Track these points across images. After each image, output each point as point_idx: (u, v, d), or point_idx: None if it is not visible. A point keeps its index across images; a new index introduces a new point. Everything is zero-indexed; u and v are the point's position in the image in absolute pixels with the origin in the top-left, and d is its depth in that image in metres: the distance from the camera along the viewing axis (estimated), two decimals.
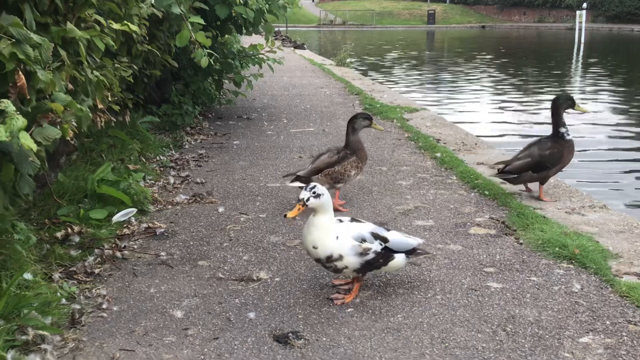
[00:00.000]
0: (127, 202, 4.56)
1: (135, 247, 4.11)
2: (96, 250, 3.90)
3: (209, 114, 9.27)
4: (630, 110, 13.65)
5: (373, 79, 16.30)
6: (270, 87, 12.67)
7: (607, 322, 3.12)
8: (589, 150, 9.49)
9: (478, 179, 5.58)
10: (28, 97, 2.59)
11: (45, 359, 2.72)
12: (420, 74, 21.20)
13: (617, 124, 11.81)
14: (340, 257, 3.15)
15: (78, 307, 3.20)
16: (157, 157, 6.28)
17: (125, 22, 4.16)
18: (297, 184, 4.78)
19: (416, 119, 8.94)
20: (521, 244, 4.15)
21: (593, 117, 12.12)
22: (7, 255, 3.27)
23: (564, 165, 5.05)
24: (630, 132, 11.17)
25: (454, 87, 17.74)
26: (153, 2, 5.42)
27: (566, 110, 5.06)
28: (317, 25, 60.74)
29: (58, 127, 2.80)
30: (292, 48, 25.98)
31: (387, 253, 3.28)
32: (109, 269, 3.76)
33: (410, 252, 3.41)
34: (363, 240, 3.21)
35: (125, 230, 4.30)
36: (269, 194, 5.34)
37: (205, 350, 2.88)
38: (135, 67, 5.15)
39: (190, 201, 5.09)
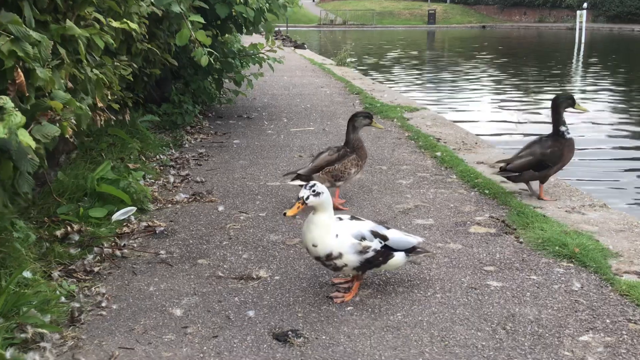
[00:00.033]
0: (127, 201, 4.55)
1: (135, 245, 4.11)
2: (96, 249, 3.89)
3: (209, 113, 9.27)
4: (630, 109, 13.65)
5: (373, 79, 16.30)
6: (271, 87, 12.67)
7: (607, 321, 3.11)
8: (589, 149, 9.49)
9: (478, 178, 5.58)
10: (27, 94, 2.59)
11: (44, 357, 2.72)
12: (420, 74, 21.19)
13: (618, 123, 11.81)
14: (340, 255, 3.15)
15: (77, 305, 3.20)
16: (157, 156, 6.28)
17: (125, 20, 4.16)
18: (298, 182, 4.78)
19: (416, 118, 8.94)
20: (521, 242, 4.15)
21: (593, 116, 12.12)
22: (6, 253, 3.27)
23: (565, 164, 5.05)
24: (631, 131, 11.16)
25: (454, 87, 17.73)
26: (153, 0, 5.41)
27: (566, 109, 5.07)
28: (318, 25, 60.72)
29: (57, 125, 2.80)
30: (293, 48, 25.98)
31: (387, 251, 3.28)
32: (109, 267, 3.76)
33: (410, 251, 3.41)
34: (363, 238, 3.21)
35: (125, 229, 4.29)
36: (268, 192, 5.34)
37: (205, 348, 2.87)
38: (135, 65, 5.14)
39: (190, 200, 5.09)
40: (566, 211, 4.79)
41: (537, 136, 5.32)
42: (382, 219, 4.59)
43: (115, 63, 4.55)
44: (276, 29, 27.07)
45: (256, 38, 11.83)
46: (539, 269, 3.74)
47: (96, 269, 3.68)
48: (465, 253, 3.99)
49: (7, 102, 2.11)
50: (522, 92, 16.29)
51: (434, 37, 48.22)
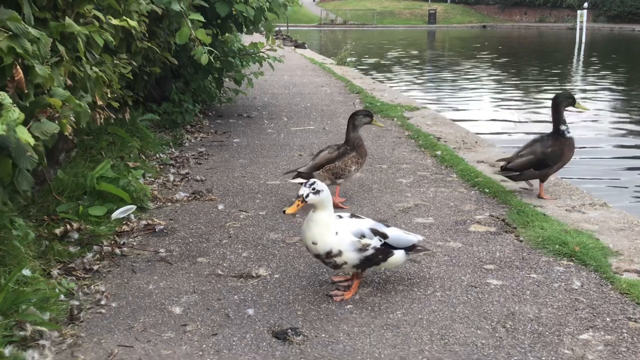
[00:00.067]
0: (127, 199, 4.55)
1: (134, 243, 4.10)
2: (95, 247, 3.89)
3: (209, 112, 9.26)
4: (630, 109, 13.64)
5: (374, 78, 16.29)
6: (271, 86, 12.66)
7: (607, 319, 3.10)
8: (589, 148, 9.48)
9: (478, 177, 5.57)
10: (26, 91, 2.58)
11: (43, 355, 2.71)
12: (421, 73, 21.19)
13: (618, 122, 11.81)
14: (340, 253, 3.15)
15: (77, 303, 3.20)
16: (157, 155, 6.27)
17: (124, 18, 4.16)
18: (299, 180, 4.79)
19: (417, 118, 8.93)
20: (521, 241, 4.14)
21: (594, 115, 12.12)
22: (5, 251, 3.27)
23: (565, 163, 5.05)
24: (631, 130, 11.16)
25: (455, 86, 17.72)
26: None
27: (566, 109, 5.06)
28: (318, 24, 60.72)
29: (56, 122, 2.79)
30: (293, 47, 25.97)
31: (387, 249, 3.27)
32: (108, 265, 3.75)
33: (410, 249, 3.40)
34: (362, 236, 3.20)
35: (125, 227, 4.29)
36: (268, 191, 5.33)
37: (204, 346, 2.87)
38: (134, 64, 5.13)
39: (190, 198, 5.08)
40: (566, 210, 4.79)
41: (538, 135, 5.32)
42: (382, 218, 4.59)
43: (115, 61, 4.55)
44: (277, 28, 27.11)
45: (256, 38, 11.80)
46: (539, 267, 3.73)
47: (95, 267, 3.67)
48: (465, 251, 3.99)
49: (5, 97, 2.10)
50: (522, 92, 16.28)
51: (434, 36, 48.21)
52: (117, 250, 3.92)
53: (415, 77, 19.82)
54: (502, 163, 5.19)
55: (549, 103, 5.17)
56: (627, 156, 9.23)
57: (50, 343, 2.80)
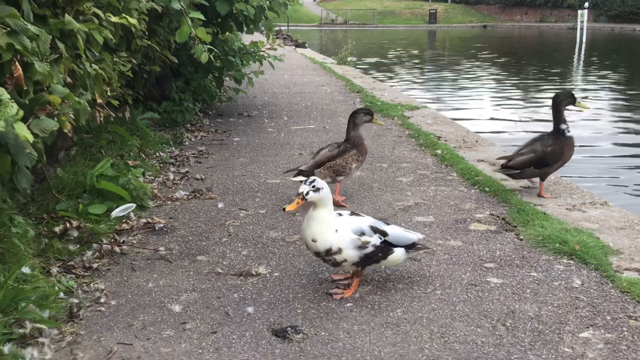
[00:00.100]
0: (126, 198, 4.54)
1: (134, 242, 4.09)
2: (95, 245, 3.88)
3: (210, 111, 9.25)
4: (631, 107, 13.63)
5: (374, 78, 16.28)
6: (271, 85, 12.65)
7: (608, 318, 3.10)
8: (590, 146, 9.48)
9: (478, 176, 5.56)
10: (25, 88, 2.58)
11: (42, 352, 2.70)
12: (421, 73, 21.18)
13: (619, 121, 11.80)
14: (339, 250, 3.14)
15: (76, 301, 3.19)
16: (157, 154, 6.26)
17: (124, 15, 4.15)
18: (300, 178, 4.78)
19: (417, 117, 8.92)
20: (521, 240, 4.14)
21: (594, 114, 12.11)
22: (5, 248, 3.26)
23: (565, 162, 5.04)
24: (632, 129, 11.16)
25: (455, 86, 17.71)
26: None
27: (567, 107, 5.06)
28: (319, 24, 60.70)
29: (55, 119, 2.79)
30: (294, 47, 25.96)
31: (387, 247, 3.27)
32: (108, 263, 3.75)
33: (410, 247, 3.39)
34: (362, 233, 3.19)
35: (124, 226, 4.28)
36: (268, 190, 5.33)
37: (203, 344, 2.86)
38: (134, 61, 5.12)
39: (190, 197, 5.08)
40: (567, 209, 4.78)
41: (538, 134, 5.31)
42: (382, 216, 4.58)
43: (115, 59, 4.54)
44: (277, 28, 27.12)
45: (257, 37, 11.80)
46: (539, 266, 3.72)
47: (95, 265, 3.67)
48: (466, 250, 3.98)
49: (3, 93, 2.10)
50: (522, 91, 16.27)
51: (435, 36, 48.20)
52: (117, 249, 3.91)
53: (416, 77, 19.81)
54: (503, 161, 5.19)
55: (550, 102, 5.17)
56: (628, 154, 9.23)
57: (50, 341, 2.80)
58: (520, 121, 11.71)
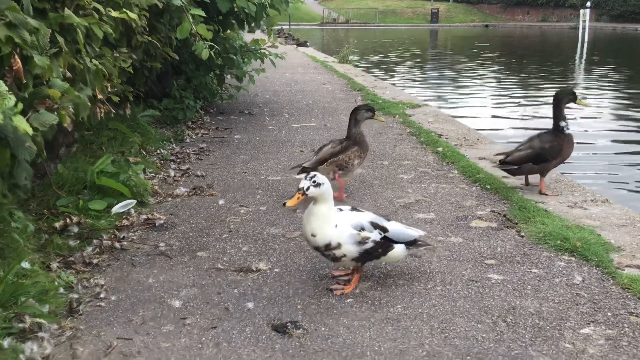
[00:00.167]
0: (127, 194, 4.54)
1: (134, 238, 4.09)
2: (95, 241, 3.88)
3: (211, 108, 9.24)
4: (632, 106, 13.60)
5: (375, 76, 16.26)
6: (273, 83, 12.65)
7: (609, 314, 3.09)
8: (591, 144, 9.46)
9: (480, 173, 5.55)
10: (24, 81, 2.57)
11: (42, 347, 2.70)
12: (423, 71, 21.16)
13: (620, 119, 11.79)
14: (339, 245, 3.13)
15: (76, 296, 3.19)
16: (158, 151, 6.26)
17: (124, 10, 4.14)
18: (303, 175, 4.77)
19: (418, 115, 8.91)
20: (522, 236, 4.13)
21: (596, 111, 12.10)
22: (4, 243, 3.26)
23: (564, 159, 5.03)
24: (633, 127, 11.14)
25: (457, 84, 17.69)
26: None
27: (568, 105, 5.05)
28: (320, 23, 60.68)
29: (55, 113, 2.78)
30: (295, 45, 25.96)
31: (387, 243, 3.26)
32: (108, 259, 3.74)
33: (411, 244, 3.38)
34: (362, 229, 3.18)
35: (125, 222, 4.28)
36: (269, 187, 5.32)
37: (203, 339, 2.86)
38: (135, 57, 5.11)
39: (191, 194, 5.07)
40: (568, 206, 4.77)
41: (538, 131, 5.31)
42: (383, 213, 4.57)
43: (115, 55, 4.53)
44: (279, 27, 27.07)
45: (258, 36, 11.80)
46: (540, 262, 3.71)
47: (95, 261, 3.66)
48: (466, 246, 3.97)
49: (0, 85, 2.09)
50: (524, 89, 16.25)
51: (436, 35, 48.17)
52: (117, 244, 3.91)
53: (417, 75, 19.78)
54: (502, 156, 5.19)
55: (551, 100, 5.16)
56: (630, 151, 9.22)
57: (49, 335, 2.79)
58: (521, 119, 11.69)
